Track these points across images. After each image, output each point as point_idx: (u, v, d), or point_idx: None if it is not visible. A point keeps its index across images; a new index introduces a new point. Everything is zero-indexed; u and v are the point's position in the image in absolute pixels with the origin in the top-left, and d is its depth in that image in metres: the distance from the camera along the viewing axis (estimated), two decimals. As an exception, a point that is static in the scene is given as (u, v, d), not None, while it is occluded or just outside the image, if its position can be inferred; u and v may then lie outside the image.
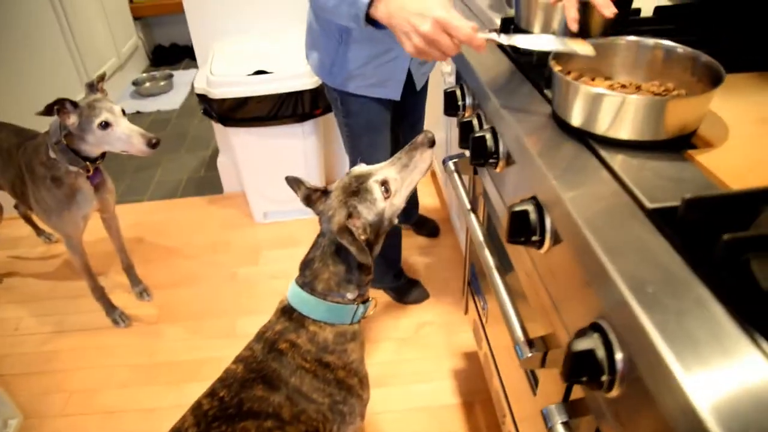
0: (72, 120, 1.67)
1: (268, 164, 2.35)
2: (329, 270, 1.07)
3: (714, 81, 0.78)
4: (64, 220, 1.87)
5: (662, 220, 0.63)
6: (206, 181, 2.97)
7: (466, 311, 1.62)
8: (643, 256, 0.59)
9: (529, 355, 0.85)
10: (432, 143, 1.09)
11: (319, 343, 1.08)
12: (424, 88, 1.83)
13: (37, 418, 1.79)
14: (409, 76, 1.62)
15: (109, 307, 2.12)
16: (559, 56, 0.86)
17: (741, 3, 1.20)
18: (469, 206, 1.17)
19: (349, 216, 1.04)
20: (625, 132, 0.77)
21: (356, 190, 1.06)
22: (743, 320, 0.51)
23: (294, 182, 1.14)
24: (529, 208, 0.78)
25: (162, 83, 4.01)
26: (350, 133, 1.71)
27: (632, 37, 0.88)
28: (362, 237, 1.03)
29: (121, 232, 2.16)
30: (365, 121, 1.65)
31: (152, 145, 1.74)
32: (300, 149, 2.31)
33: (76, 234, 1.94)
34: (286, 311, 1.10)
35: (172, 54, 4.65)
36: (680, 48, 0.85)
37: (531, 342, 0.90)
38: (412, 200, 2.22)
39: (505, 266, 1.06)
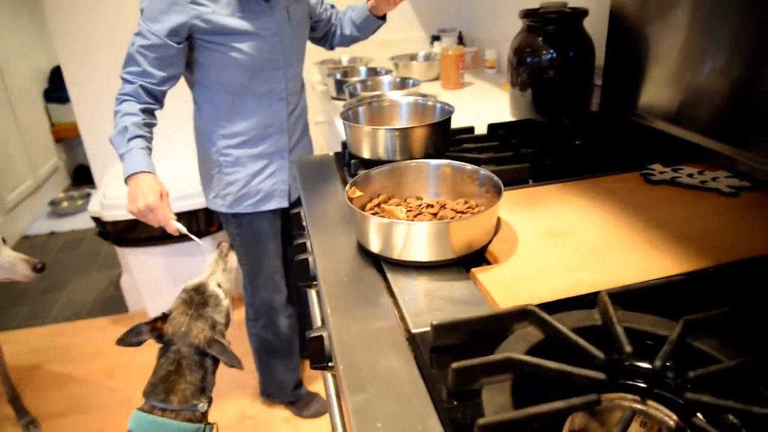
0: None
1: (169, 283, 2.32)
2: (186, 380, 1.10)
3: (498, 194, 0.85)
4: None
5: (420, 345, 0.65)
6: (114, 301, 2.89)
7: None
8: (388, 389, 0.60)
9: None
10: (231, 247, 1.35)
11: None
12: None
13: None
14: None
15: (-13, 447, 1.98)
16: (358, 182, 0.91)
17: (566, 120, 1.32)
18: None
19: (213, 327, 1.12)
20: (416, 255, 0.81)
21: (203, 301, 1.15)
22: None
23: (132, 335, 1.15)
24: (325, 334, 0.79)
25: (79, 202, 3.99)
26: (243, 243, 1.74)
27: (422, 160, 0.95)
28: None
29: (5, 361, 2.05)
30: (257, 231, 1.70)
31: (38, 270, 1.73)
32: (197, 265, 2.30)
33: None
34: None
35: (96, 172, 4.66)
36: (467, 166, 0.92)
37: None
38: None
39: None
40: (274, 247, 1.76)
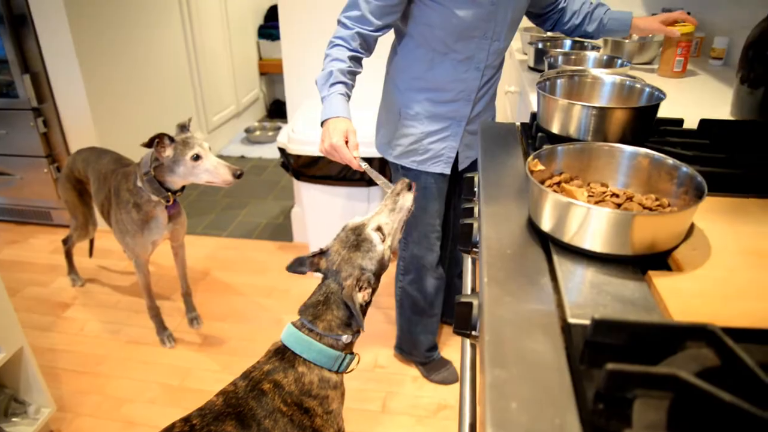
0: (168, 152, 1.86)
1: (333, 221, 2.45)
2: (333, 314, 1.14)
3: (699, 197, 0.75)
4: (136, 241, 2.05)
5: (575, 337, 0.61)
6: (281, 229, 3.14)
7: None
8: (530, 372, 0.56)
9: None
10: (410, 187, 1.27)
11: (304, 384, 1.12)
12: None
13: (68, 413, 1.95)
14: (456, 156, 1.67)
15: (161, 327, 2.28)
16: (542, 156, 0.86)
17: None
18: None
19: (358, 278, 1.13)
20: (590, 243, 0.75)
21: (356, 243, 1.15)
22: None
23: (296, 264, 1.22)
24: (474, 302, 0.77)
25: (270, 133, 4.34)
26: None
27: (617, 145, 0.86)
28: (365, 296, 1.14)
29: (185, 261, 2.32)
30: (422, 188, 1.72)
31: (237, 176, 1.93)
32: (363, 212, 2.39)
33: (144, 256, 2.12)
34: (279, 351, 1.16)
35: (288, 109, 5.04)
36: (668, 159, 0.82)
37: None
38: None
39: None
40: (436, 207, 1.76)
